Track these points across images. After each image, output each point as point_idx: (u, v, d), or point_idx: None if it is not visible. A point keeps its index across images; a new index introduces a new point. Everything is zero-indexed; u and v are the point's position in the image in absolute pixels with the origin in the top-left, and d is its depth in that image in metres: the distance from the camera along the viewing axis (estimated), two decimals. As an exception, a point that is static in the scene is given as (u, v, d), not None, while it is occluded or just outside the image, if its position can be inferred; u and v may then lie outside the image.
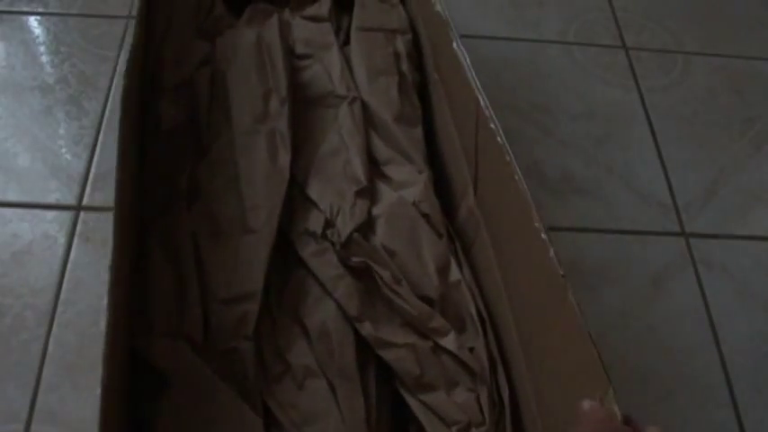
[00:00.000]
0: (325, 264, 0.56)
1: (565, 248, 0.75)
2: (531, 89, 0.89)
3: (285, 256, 0.57)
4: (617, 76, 0.92)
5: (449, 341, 0.54)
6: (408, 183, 0.62)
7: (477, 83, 0.61)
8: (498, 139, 0.57)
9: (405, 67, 0.71)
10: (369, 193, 0.60)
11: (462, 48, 0.64)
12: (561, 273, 0.48)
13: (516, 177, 0.54)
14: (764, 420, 0.66)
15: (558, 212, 0.78)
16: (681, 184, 0.83)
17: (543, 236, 0.50)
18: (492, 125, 0.58)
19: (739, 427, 0.66)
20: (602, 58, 0.94)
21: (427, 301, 0.55)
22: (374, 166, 0.63)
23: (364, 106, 0.66)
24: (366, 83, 0.68)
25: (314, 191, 0.60)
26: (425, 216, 0.60)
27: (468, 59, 0.63)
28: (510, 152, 0.56)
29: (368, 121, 0.66)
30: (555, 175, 0.81)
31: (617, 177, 0.82)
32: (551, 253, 0.48)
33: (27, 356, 0.62)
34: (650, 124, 0.88)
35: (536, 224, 0.51)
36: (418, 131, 0.67)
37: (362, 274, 0.56)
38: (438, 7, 0.69)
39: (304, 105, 0.66)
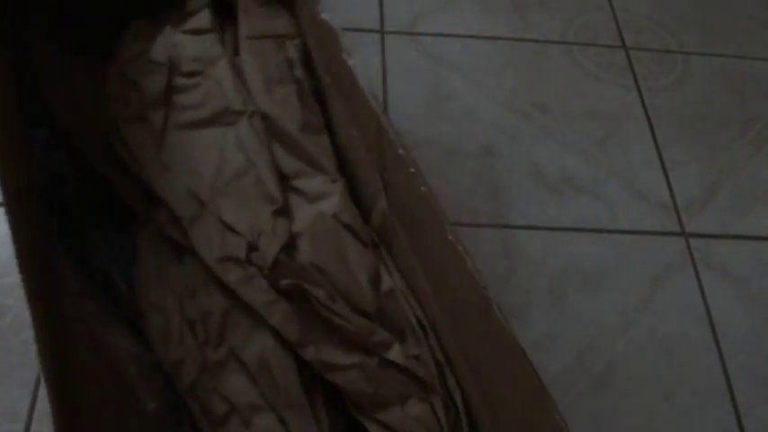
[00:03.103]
0: (255, 290, 0.53)
1: (565, 248, 0.75)
2: (531, 89, 0.89)
3: (207, 289, 0.54)
4: (617, 76, 0.92)
5: (394, 353, 0.52)
6: (323, 194, 0.60)
7: (372, 94, 0.59)
8: (401, 151, 0.55)
9: (299, 73, 0.68)
10: (286, 212, 0.57)
11: (352, 58, 0.62)
12: (483, 285, 0.48)
13: (423, 189, 0.53)
14: (764, 420, 0.66)
15: (558, 212, 0.78)
16: (681, 184, 0.83)
17: (459, 248, 0.49)
18: (392, 137, 0.56)
19: (739, 427, 0.66)
20: (602, 58, 0.94)
21: (364, 314, 0.54)
22: (284, 181, 0.60)
23: (266, 118, 0.63)
24: (264, 93, 0.64)
25: (229, 214, 0.56)
26: (347, 227, 0.58)
27: (358, 69, 0.61)
28: (416, 163, 0.55)
29: (271, 133, 0.63)
30: (555, 175, 0.81)
31: (617, 177, 0.82)
32: (469, 265, 0.48)
33: (27, 356, 0.62)
34: (650, 124, 0.88)
35: (450, 237, 0.50)
36: (324, 138, 0.64)
37: (295, 297, 0.53)
38: (324, 15, 0.66)
39: (199, 126, 0.63)
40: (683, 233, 0.79)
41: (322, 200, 0.59)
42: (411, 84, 0.87)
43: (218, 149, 0.60)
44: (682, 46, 0.98)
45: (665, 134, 0.87)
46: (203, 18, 0.69)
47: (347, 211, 0.58)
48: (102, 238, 0.60)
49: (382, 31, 0.91)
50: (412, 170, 0.54)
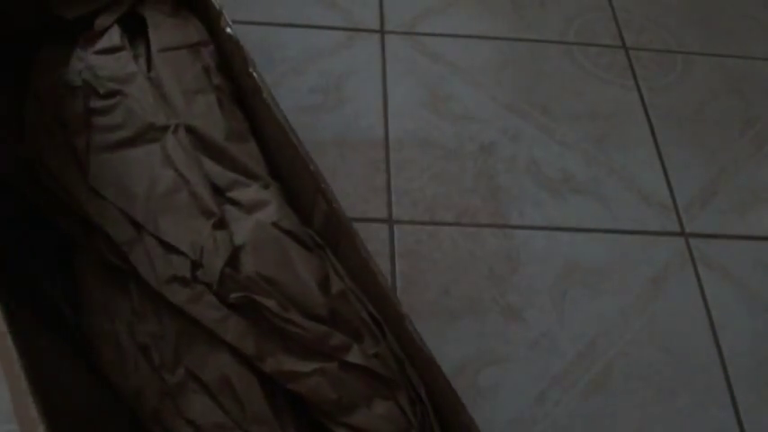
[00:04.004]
0: (205, 308, 0.52)
1: (565, 248, 0.75)
2: (531, 89, 0.89)
3: (156, 311, 0.54)
4: (617, 76, 0.92)
5: (354, 355, 0.52)
6: (259, 203, 0.59)
7: (280, 111, 0.59)
8: (311, 167, 0.56)
9: (218, 79, 0.67)
10: (225, 224, 0.57)
11: (258, 72, 0.62)
12: (399, 307, 0.50)
13: (334, 205, 0.54)
14: (764, 420, 0.66)
15: (558, 212, 0.78)
16: (681, 184, 0.83)
17: (372, 266, 0.51)
18: (301, 152, 0.57)
19: (739, 427, 0.66)
20: (602, 58, 0.94)
21: (318, 319, 0.53)
22: (218, 194, 0.59)
23: (191, 130, 0.62)
24: (184, 106, 0.64)
25: (168, 234, 0.56)
26: (289, 233, 0.57)
27: (265, 82, 0.61)
28: (325, 180, 0.56)
29: (198, 145, 0.62)
30: (555, 175, 0.81)
31: (617, 177, 0.82)
32: (381, 279, 0.51)
33: (27, 356, 0.62)
34: (650, 124, 0.88)
35: (363, 254, 0.51)
36: (252, 145, 0.64)
37: (247, 310, 0.53)
38: (228, 29, 0.66)
39: (124, 146, 0.61)
40: (683, 233, 0.79)
41: (259, 209, 0.58)
42: (411, 84, 0.87)
43: (147, 168, 0.60)
44: (682, 46, 0.98)
45: (665, 134, 0.87)
46: (113, 36, 0.68)
47: (286, 218, 0.58)
48: (42, 268, 0.59)
49: (382, 31, 0.91)
50: (323, 185, 0.55)
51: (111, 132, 0.62)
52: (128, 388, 0.51)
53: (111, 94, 0.64)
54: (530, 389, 0.65)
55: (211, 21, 0.70)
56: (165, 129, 0.61)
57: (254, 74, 0.62)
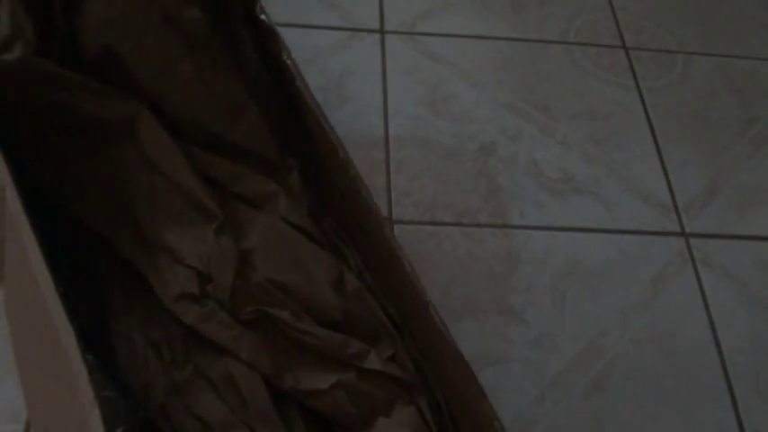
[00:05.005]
0: (218, 327, 0.50)
1: (565, 248, 0.75)
2: (531, 89, 0.89)
3: (169, 312, 0.52)
4: (617, 76, 0.92)
5: (372, 361, 0.50)
6: (266, 196, 0.55)
7: (311, 95, 0.55)
8: (341, 154, 0.53)
9: (192, 14, 0.54)
10: (227, 226, 0.53)
11: (293, 59, 0.58)
12: (423, 294, 0.49)
13: (363, 193, 0.52)
14: (764, 420, 0.66)
15: (558, 212, 0.78)
16: (681, 184, 0.83)
17: (399, 254, 0.49)
18: (334, 140, 0.54)
19: (739, 427, 0.66)
20: (602, 58, 0.94)
21: (333, 323, 0.52)
22: (221, 190, 0.55)
23: (176, 114, 0.54)
24: (160, 76, 0.53)
25: (172, 246, 0.52)
26: (299, 228, 0.54)
27: (298, 69, 0.57)
28: (355, 168, 0.53)
29: (187, 131, 0.55)
30: (555, 175, 0.81)
31: (617, 177, 0.82)
32: (407, 267, 0.49)
33: (27, 356, 0.62)
34: (650, 124, 0.88)
35: (392, 243, 0.50)
36: (253, 115, 0.55)
37: (261, 323, 0.51)
38: (263, 17, 0.61)
39: (90, 155, 0.53)
40: (683, 233, 0.79)
41: (266, 203, 0.55)
42: (411, 84, 0.87)
43: (131, 175, 0.53)
44: (682, 46, 0.98)
45: (665, 134, 0.87)
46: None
47: (294, 211, 0.55)
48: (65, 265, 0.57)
49: (382, 31, 0.91)
50: (353, 173, 0.53)
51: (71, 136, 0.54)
52: (137, 382, 0.51)
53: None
54: (530, 389, 0.65)
55: (247, 7, 0.66)
56: (124, 122, 0.52)
57: (288, 61, 0.58)
